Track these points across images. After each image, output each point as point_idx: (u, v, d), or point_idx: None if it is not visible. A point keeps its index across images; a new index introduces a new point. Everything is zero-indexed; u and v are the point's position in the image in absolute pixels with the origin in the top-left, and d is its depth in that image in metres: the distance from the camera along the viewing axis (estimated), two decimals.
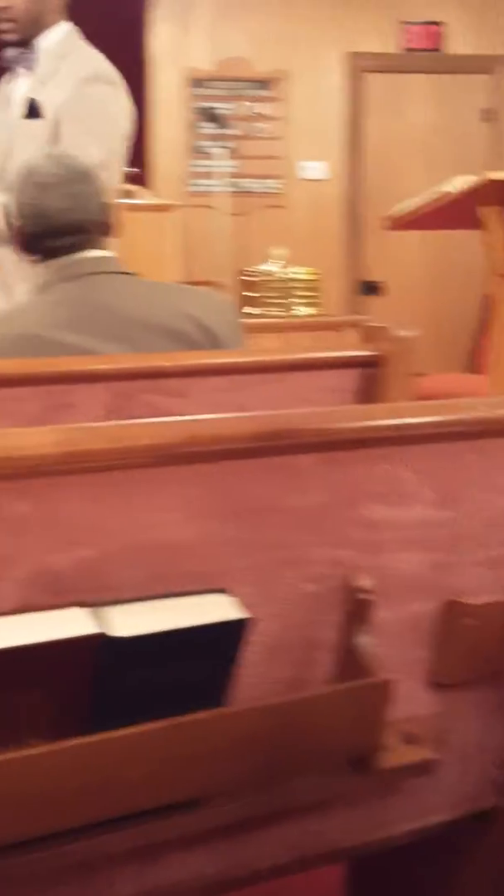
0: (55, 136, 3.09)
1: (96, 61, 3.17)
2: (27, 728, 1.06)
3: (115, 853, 1.09)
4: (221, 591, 1.09)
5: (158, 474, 1.12)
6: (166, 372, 1.90)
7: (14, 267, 3.03)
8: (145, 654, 1.06)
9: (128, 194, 4.12)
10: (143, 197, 5.12)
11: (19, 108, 3.11)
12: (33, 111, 3.10)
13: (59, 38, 3.15)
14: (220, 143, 5.17)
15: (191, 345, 2.05)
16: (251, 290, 5.48)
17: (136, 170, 4.89)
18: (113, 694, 1.07)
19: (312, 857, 1.33)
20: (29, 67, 3.12)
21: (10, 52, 3.14)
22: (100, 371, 1.88)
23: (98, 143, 3.08)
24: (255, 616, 1.11)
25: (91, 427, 1.11)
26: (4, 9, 3.08)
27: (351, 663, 1.20)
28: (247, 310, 5.33)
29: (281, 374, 1.97)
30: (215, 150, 6.73)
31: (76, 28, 3.19)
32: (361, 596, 1.19)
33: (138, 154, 7.47)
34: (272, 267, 5.46)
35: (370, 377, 1.98)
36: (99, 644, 1.04)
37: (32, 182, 2.08)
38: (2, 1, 3.07)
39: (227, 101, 7.35)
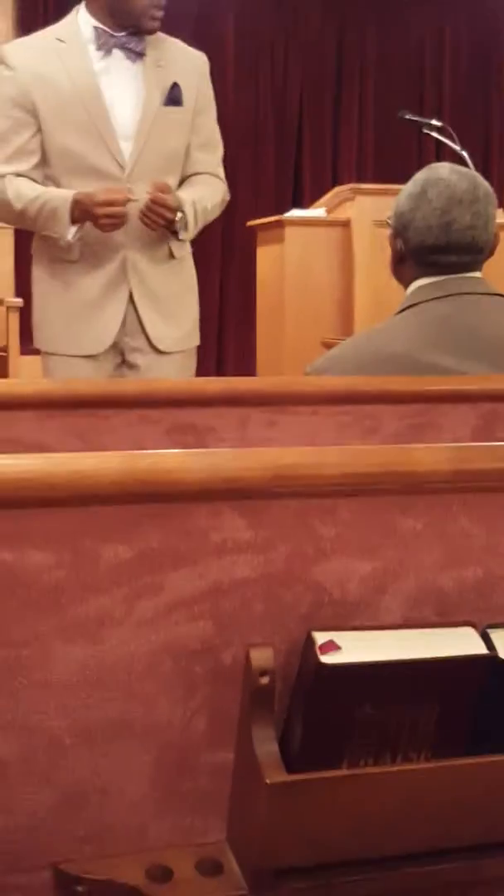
0: (191, 126, 3.03)
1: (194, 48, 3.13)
2: (407, 742, 1.07)
3: (493, 877, 1.08)
4: None
5: None
6: None
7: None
8: None
9: None
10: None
11: (144, 91, 2.95)
12: (176, 98, 2.99)
13: None
14: None
15: None
16: None
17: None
18: (497, 717, 1.06)
19: None
20: (138, 52, 2.97)
21: (119, 37, 2.95)
22: (466, 391, 1.86)
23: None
24: None
25: (485, 446, 1.11)
26: None
27: None
28: None
29: None
30: None
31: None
32: None
33: (496, 169, 7.45)
34: None
35: None
36: (486, 666, 1.03)
37: (445, 195, 2.05)
38: None
39: None
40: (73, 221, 2.91)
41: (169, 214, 2.90)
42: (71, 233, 2.91)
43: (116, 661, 1.05)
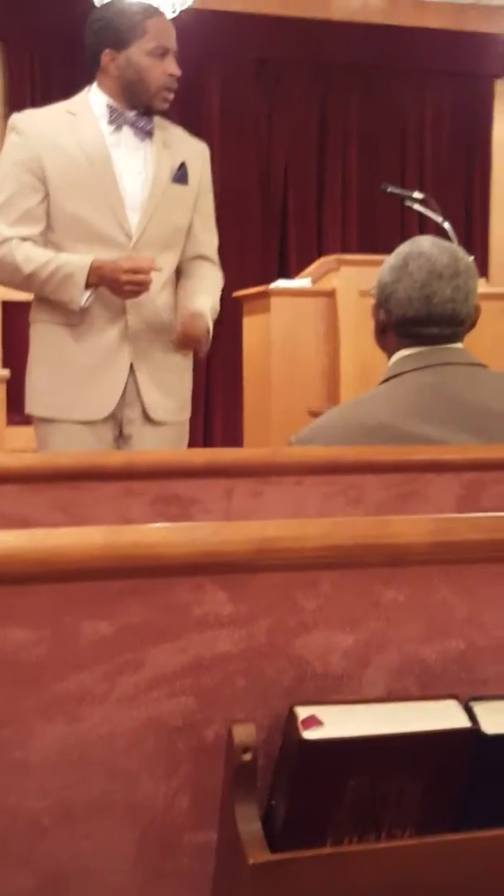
0: (193, 206, 3.15)
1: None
2: (392, 818, 1.05)
3: None
4: None
5: None
6: None
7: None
8: None
9: None
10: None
11: (154, 167, 3.05)
12: (183, 177, 3.11)
13: None
14: None
15: None
16: None
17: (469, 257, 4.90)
18: (481, 792, 1.05)
19: None
20: (146, 131, 3.07)
21: (130, 116, 3.05)
22: (450, 461, 1.87)
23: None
24: None
25: (466, 517, 1.11)
26: (175, 77, 3.04)
27: None
28: None
29: None
30: None
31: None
32: None
33: (478, 242, 7.53)
34: None
35: None
36: (469, 740, 1.02)
37: (426, 269, 2.08)
38: (176, 69, 3.03)
39: None
40: (87, 287, 2.95)
41: (202, 339, 3.01)
42: (84, 298, 2.95)
43: (97, 739, 1.04)
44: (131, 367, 3.03)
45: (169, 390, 3.10)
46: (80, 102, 3.09)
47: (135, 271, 2.91)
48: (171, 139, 3.13)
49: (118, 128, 3.05)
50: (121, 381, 3.02)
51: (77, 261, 2.95)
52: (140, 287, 2.92)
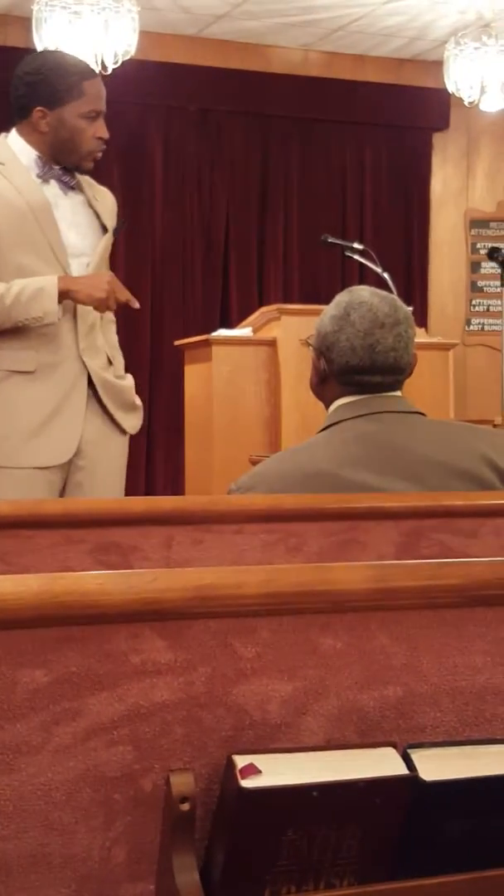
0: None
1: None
2: (330, 867, 1.05)
3: None
4: None
5: (469, 615, 1.11)
6: (458, 511, 1.89)
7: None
8: (454, 801, 1.04)
9: None
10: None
11: (94, 219, 3.12)
12: (117, 231, 3.19)
13: None
14: (501, 283, 5.21)
15: (484, 486, 2.03)
16: None
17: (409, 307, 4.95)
18: (420, 839, 1.05)
19: None
20: (70, 186, 3.12)
21: (56, 170, 3.10)
22: (389, 508, 1.88)
23: None
24: None
25: (403, 564, 1.12)
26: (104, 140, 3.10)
27: None
28: None
29: None
30: (496, 290, 6.76)
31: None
32: None
33: (417, 292, 7.63)
34: None
35: None
36: (407, 787, 1.02)
37: (368, 318, 2.10)
38: (105, 133, 3.08)
39: None
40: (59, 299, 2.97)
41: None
42: (60, 310, 2.95)
43: (33, 791, 1.03)
44: (94, 394, 3.06)
45: (132, 406, 3.18)
46: (4, 151, 3.08)
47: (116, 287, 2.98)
48: (96, 193, 3.19)
49: (46, 181, 3.08)
50: (79, 425, 3.04)
51: (39, 278, 2.96)
52: (118, 300, 2.97)
